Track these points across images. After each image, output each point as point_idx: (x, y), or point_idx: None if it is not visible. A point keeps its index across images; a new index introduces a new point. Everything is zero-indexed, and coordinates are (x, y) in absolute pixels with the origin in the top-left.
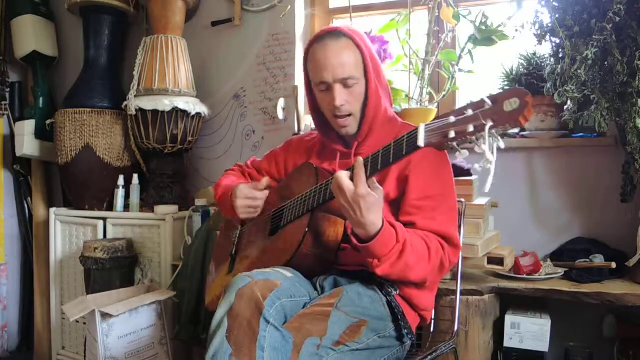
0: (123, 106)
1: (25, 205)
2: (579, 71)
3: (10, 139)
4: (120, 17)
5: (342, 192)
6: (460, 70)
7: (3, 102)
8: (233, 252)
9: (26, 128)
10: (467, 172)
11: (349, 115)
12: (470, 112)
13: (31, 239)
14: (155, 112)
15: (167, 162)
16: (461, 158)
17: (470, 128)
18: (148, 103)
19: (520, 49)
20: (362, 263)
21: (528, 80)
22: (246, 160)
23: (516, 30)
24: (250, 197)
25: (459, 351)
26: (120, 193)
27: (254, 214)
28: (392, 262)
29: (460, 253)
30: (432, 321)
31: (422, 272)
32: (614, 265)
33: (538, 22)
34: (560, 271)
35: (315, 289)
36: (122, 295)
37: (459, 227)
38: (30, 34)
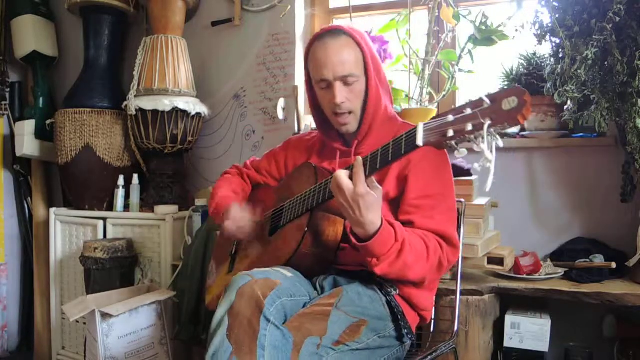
0: (123, 106)
1: (25, 205)
2: (579, 71)
3: (10, 139)
4: (120, 17)
5: (341, 191)
6: (460, 70)
7: (3, 102)
8: (233, 252)
9: (26, 128)
10: (467, 172)
11: (349, 112)
12: (468, 111)
13: (31, 239)
14: (155, 112)
15: (167, 162)
16: (460, 157)
17: (469, 127)
18: (148, 103)
19: (520, 49)
20: (361, 263)
21: (528, 80)
22: (246, 160)
23: (516, 30)
24: (240, 226)
25: (459, 351)
26: (120, 193)
27: (240, 236)
28: (391, 261)
29: (460, 253)
30: (432, 321)
31: (420, 272)
32: (614, 265)
33: (538, 22)
34: (560, 271)
35: (315, 289)
36: (122, 295)
37: (459, 227)
38: (30, 34)
